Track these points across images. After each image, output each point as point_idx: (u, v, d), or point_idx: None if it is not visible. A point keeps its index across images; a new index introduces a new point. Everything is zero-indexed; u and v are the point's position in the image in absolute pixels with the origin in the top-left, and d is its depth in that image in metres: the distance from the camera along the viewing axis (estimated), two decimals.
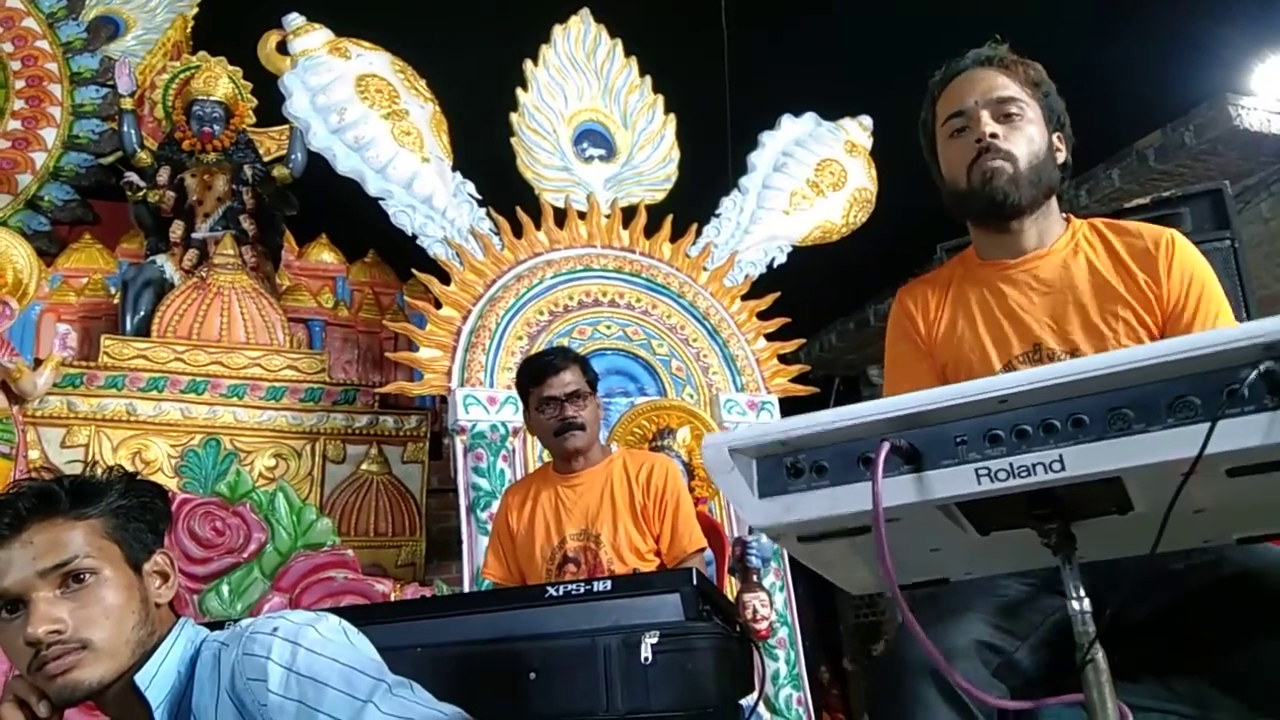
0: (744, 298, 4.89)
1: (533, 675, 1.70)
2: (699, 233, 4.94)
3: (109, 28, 6.01)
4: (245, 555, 3.56)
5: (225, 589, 3.48)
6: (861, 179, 5.36)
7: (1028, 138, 1.46)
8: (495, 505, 3.28)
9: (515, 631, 1.77)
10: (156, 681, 1.10)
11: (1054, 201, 1.52)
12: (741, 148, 5.29)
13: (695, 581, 1.76)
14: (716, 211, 5.06)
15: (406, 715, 1.03)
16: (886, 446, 0.75)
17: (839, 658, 8.74)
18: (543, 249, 4.53)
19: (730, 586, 3.74)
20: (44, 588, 1.06)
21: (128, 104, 5.04)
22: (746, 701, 1.94)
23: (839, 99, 5.49)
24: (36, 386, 3.80)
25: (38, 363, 3.92)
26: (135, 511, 1.15)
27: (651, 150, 4.98)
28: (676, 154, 5.04)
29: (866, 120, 5.49)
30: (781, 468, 0.79)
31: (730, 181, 5.19)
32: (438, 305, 4.31)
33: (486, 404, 4.07)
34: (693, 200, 5.05)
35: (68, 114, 5.78)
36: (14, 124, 5.66)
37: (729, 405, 4.55)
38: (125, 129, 5.02)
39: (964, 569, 0.98)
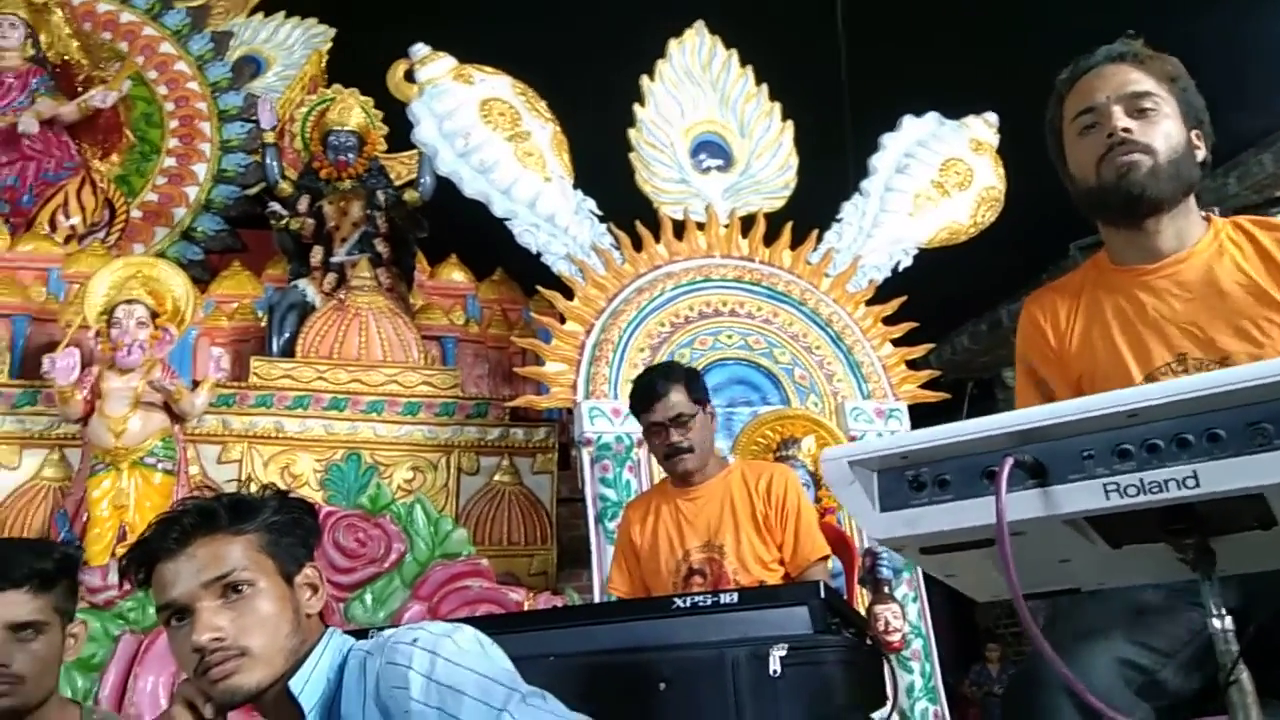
0: (868, 303, 4.82)
1: (663, 686, 1.73)
2: (820, 239, 4.89)
3: (251, 67, 6.38)
4: (386, 565, 3.70)
5: (368, 597, 3.62)
6: (989, 177, 5.21)
7: (1165, 132, 1.40)
8: (621, 516, 3.32)
9: (645, 642, 1.80)
10: (308, 688, 1.16)
11: (1192, 200, 1.45)
12: (861, 151, 5.22)
13: (823, 594, 1.75)
14: (837, 217, 5.00)
15: None
16: (1010, 461, 0.74)
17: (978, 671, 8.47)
18: (662, 261, 4.58)
19: (861, 598, 3.68)
20: (207, 598, 1.14)
21: (270, 137, 5.33)
22: (878, 715, 1.91)
23: (963, 97, 5.34)
24: (195, 406, 4.04)
25: (195, 384, 4.18)
26: (287, 527, 1.22)
27: (769, 158, 4.96)
28: (795, 160, 5.01)
29: (992, 117, 5.33)
30: (903, 481, 0.79)
31: (851, 186, 5.13)
32: (562, 320, 4.40)
33: (611, 416, 4.13)
34: (812, 206, 5.00)
35: (216, 149, 6.16)
36: (170, 161, 6.07)
37: (855, 413, 4.48)
38: (268, 161, 5.31)
39: (1096, 579, 0.95)
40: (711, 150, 4.95)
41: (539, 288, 4.59)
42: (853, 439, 4.29)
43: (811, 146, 5.06)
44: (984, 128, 5.30)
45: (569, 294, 4.44)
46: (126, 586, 3.15)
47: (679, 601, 1.85)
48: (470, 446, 4.69)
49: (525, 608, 3.66)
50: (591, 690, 1.64)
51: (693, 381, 2.60)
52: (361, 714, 1.13)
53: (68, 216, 5.36)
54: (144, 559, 1.17)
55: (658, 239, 4.62)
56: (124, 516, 3.77)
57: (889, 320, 4.79)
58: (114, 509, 3.79)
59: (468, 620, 1.74)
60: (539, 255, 4.49)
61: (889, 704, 1.96)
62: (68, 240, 5.24)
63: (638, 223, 4.62)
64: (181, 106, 6.18)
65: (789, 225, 4.82)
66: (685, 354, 4.35)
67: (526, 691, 1.11)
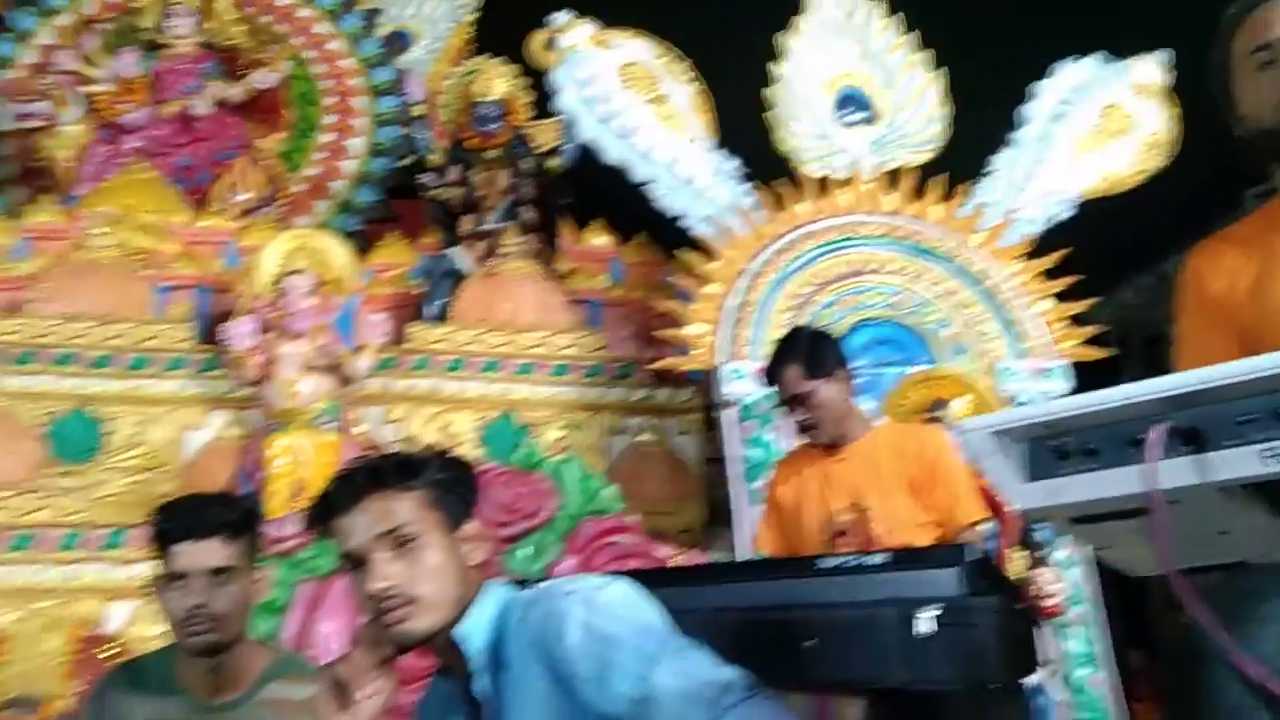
0: (1025, 257, 4.63)
1: (807, 644, 1.75)
2: (971, 192, 4.73)
3: (399, 41, 6.60)
4: (540, 520, 3.84)
5: (524, 550, 3.77)
6: (1154, 123, 4.90)
7: None
8: (766, 476, 3.34)
9: (790, 600, 1.82)
10: (473, 634, 1.25)
11: None
12: (1014, 99, 4.99)
13: (974, 556, 1.73)
14: (989, 169, 4.82)
15: (693, 673, 1.11)
16: (1162, 428, 0.72)
17: (1150, 641, 8.12)
18: (804, 220, 4.52)
19: (1017, 562, 3.59)
20: (379, 549, 1.23)
21: (419, 110, 5.52)
22: (1031, 681, 1.88)
23: (1124, 39, 5.03)
24: (359, 370, 4.27)
25: (358, 349, 4.41)
26: (450, 485, 1.30)
27: (916, 109, 4.81)
28: (943, 111, 4.84)
29: (1158, 58, 5.00)
30: (1048, 451, 0.78)
31: (1003, 136, 4.92)
32: (703, 282, 4.42)
33: (755, 376, 4.14)
34: (962, 159, 4.83)
35: (370, 123, 6.42)
36: (327, 137, 6.37)
37: (1007, 374, 4.34)
38: (418, 133, 5.50)
39: (1261, 551, 0.92)
40: (855, 104, 4.84)
41: (681, 250, 4.62)
42: (1006, 400, 4.17)
43: (960, 96, 4.88)
44: (1150, 69, 4.98)
45: (710, 256, 4.45)
46: (304, 537, 3.40)
47: (824, 561, 1.85)
48: (617, 407, 4.79)
49: (672, 564, 3.74)
50: (735, 646, 1.67)
51: (814, 355, 2.53)
52: (521, 660, 1.20)
53: (238, 192, 5.71)
54: (324, 513, 1.28)
55: (799, 198, 4.57)
56: (298, 473, 4.04)
57: (1048, 275, 4.59)
58: (288, 466, 4.06)
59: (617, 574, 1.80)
60: (680, 218, 4.51)
61: (1042, 670, 1.93)
62: (239, 215, 5.60)
63: (780, 181, 4.58)
64: (337, 83, 6.47)
65: (937, 179, 4.68)
66: (827, 315, 4.31)
67: (679, 643, 1.15)
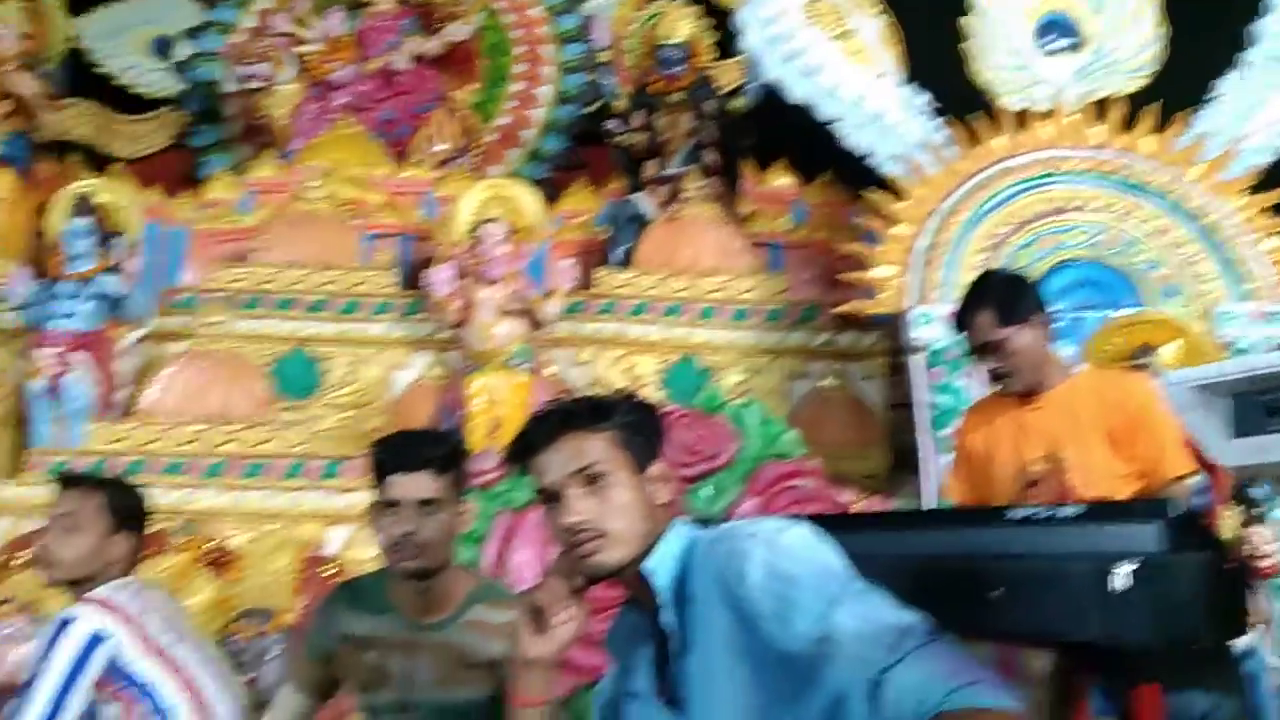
0: (1252, 190, 4.25)
1: (996, 594, 1.72)
2: (1189, 122, 4.36)
3: None
4: (721, 462, 3.89)
5: (706, 491, 3.84)
6: None
7: None
8: (955, 423, 3.26)
9: (977, 549, 1.79)
10: (660, 569, 1.30)
11: None
12: (1241, 17, 4.53)
13: (1178, 511, 1.64)
14: (1210, 95, 4.42)
15: (873, 616, 1.12)
16: None
17: None
18: (1001, 156, 4.30)
19: (1230, 519, 3.36)
20: (573, 486, 1.30)
21: (604, 56, 5.58)
22: (1241, 643, 1.79)
23: None
24: (548, 314, 4.44)
25: (548, 294, 4.57)
26: (638, 426, 1.36)
27: (1127, 34, 4.45)
28: (1158, 34, 4.46)
29: None
30: (1258, 406, 0.74)
31: (1228, 58, 4.49)
32: (891, 223, 4.29)
33: (945, 320, 4.01)
34: (1180, 86, 4.45)
35: (557, 71, 6.56)
36: (517, 86, 6.55)
37: (1226, 318, 4.02)
38: (603, 79, 5.58)
39: None
40: (1059, 30, 4.53)
41: (868, 190, 4.50)
42: (1222, 346, 3.86)
43: (1178, 17, 4.48)
44: None
45: (898, 195, 4.31)
46: (500, 471, 3.59)
47: (1015, 511, 1.81)
48: (798, 351, 4.77)
49: (855, 509, 3.72)
50: (917, 593, 1.67)
51: (1008, 299, 2.40)
52: (706, 595, 1.25)
53: (435, 143, 5.98)
54: (522, 451, 1.36)
55: (996, 132, 4.34)
56: (494, 411, 4.26)
57: (1276, 210, 4.20)
58: (486, 404, 4.29)
59: (797, 518, 1.82)
60: (867, 156, 4.39)
61: (1254, 632, 1.82)
62: (437, 166, 5.87)
63: (975, 116, 4.36)
64: (525, 32, 6.62)
65: (1150, 108, 4.33)
66: (1025, 255, 4.11)
67: (860, 586, 1.17)
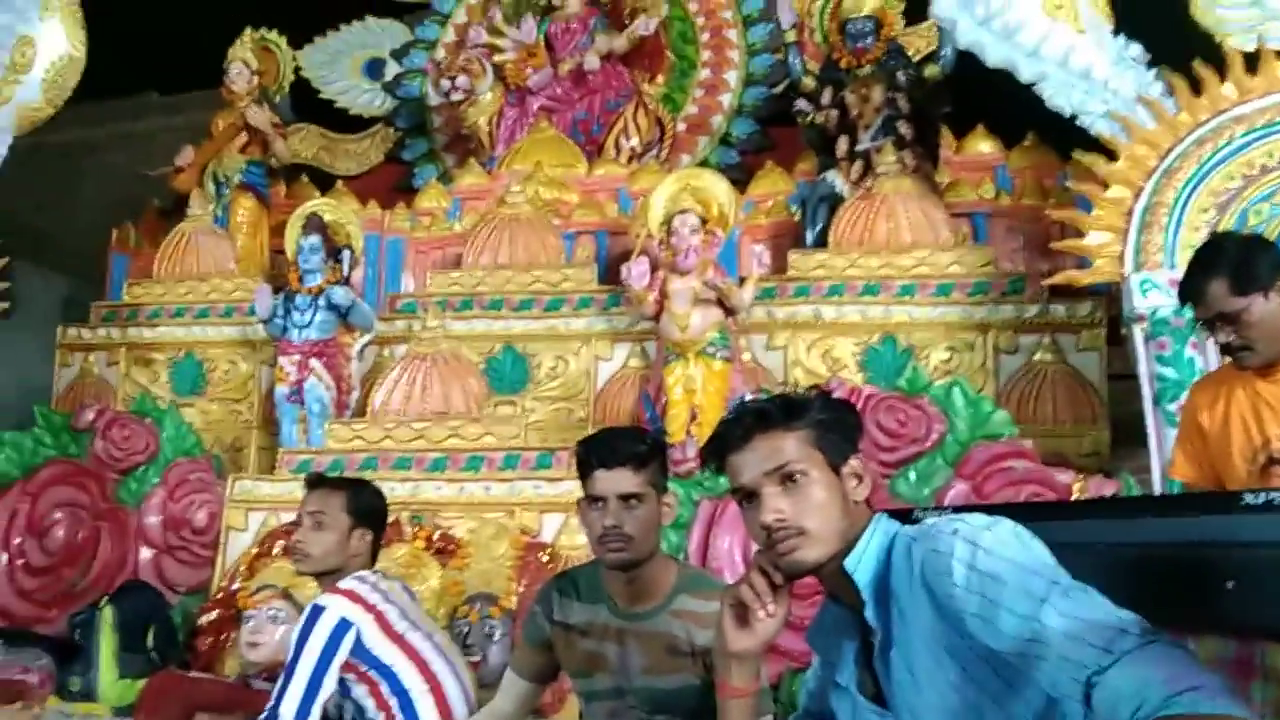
0: None
1: (1229, 585, 1.61)
2: None
3: None
4: (927, 445, 3.80)
5: (912, 475, 3.76)
6: None
7: None
8: (1182, 398, 3.03)
9: (1208, 537, 1.68)
10: (861, 565, 1.31)
11: None
12: None
13: None
14: None
15: (1083, 615, 1.08)
16: None
17: None
18: (1229, 104, 3.92)
19: None
20: (768, 485, 1.33)
21: (790, 35, 5.52)
22: None
23: None
24: (743, 301, 4.44)
25: (741, 280, 4.59)
26: (832, 424, 1.37)
27: None
28: None
29: None
30: None
31: None
32: (1105, 186, 4.03)
33: (1168, 288, 3.73)
34: None
35: (744, 54, 6.55)
36: (704, 73, 6.59)
37: None
38: (790, 59, 5.52)
39: None
40: None
41: (1076, 152, 4.24)
42: None
43: None
44: None
45: (1111, 156, 4.03)
46: (701, 460, 3.66)
47: (1250, 497, 1.68)
48: (1007, 325, 4.57)
49: (1074, 490, 3.55)
50: (1143, 583, 1.59)
51: (1243, 265, 2.19)
52: (909, 593, 1.25)
53: (627, 139, 6.12)
54: (716, 451, 1.40)
55: (1223, 78, 3.98)
56: (693, 399, 4.32)
57: None
58: (685, 393, 4.36)
59: (1007, 507, 1.77)
60: (1074, 116, 4.13)
61: None
62: (629, 160, 6.00)
63: (1196, 63, 4.02)
64: (710, 19, 6.64)
65: None
66: (1262, 210, 3.76)
67: (1068, 584, 1.13)
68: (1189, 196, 3.86)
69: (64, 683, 3.76)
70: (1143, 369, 3.78)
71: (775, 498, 1.32)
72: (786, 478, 1.32)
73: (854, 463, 1.37)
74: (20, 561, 4.58)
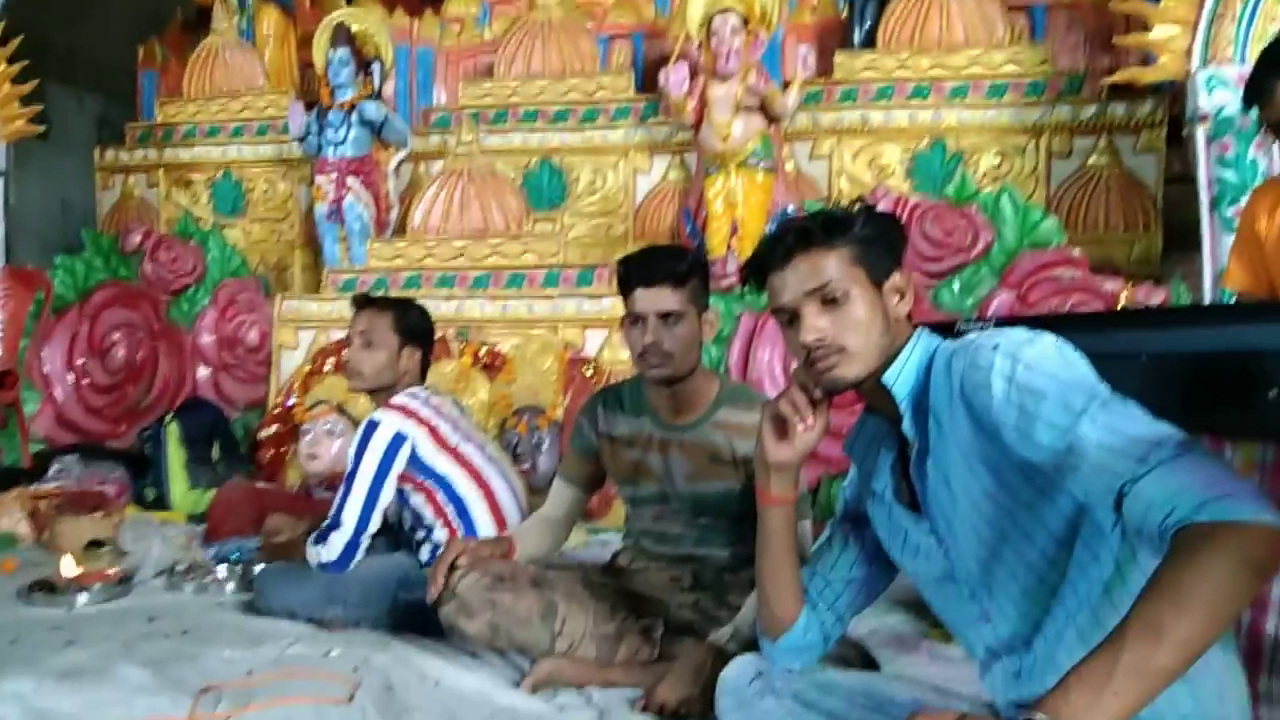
0: None
1: (1274, 393, 1.60)
2: None
3: None
4: (973, 254, 3.75)
5: (956, 285, 3.73)
6: None
7: None
8: (1243, 201, 2.93)
9: (1256, 345, 1.66)
10: (900, 380, 1.31)
11: None
12: None
13: None
14: None
15: (1120, 427, 1.08)
16: None
17: None
18: None
19: None
20: (809, 304, 1.32)
21: None
22: None
23: None
24: (787, 107, 4.30)
25: (785, 85, 4.42)
26: (875, 239, 1.34)
27: None
28: None
29: None
30: None
31: None
32: None
33: (1235, 85, 3.53)
34: None
35: None
36: None
37: None
38: None
39: None
40: None
41: None
42: None
43: None
44: None
45: None
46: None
47: None
48: (1062, 127, 4.39)
49: (1122, 298, 3.50)
50: (1187, 392, 1.59)
51: None
52: (948, 406, 1.25)
53: None
54: (757, 270, 1.38)
55: None
56: (735, 213, 4.26)
57: None
58: (726, 206, 4.29)
59: (1051, 318, 1.75)
60: None
61: None
62: None
63: None
64: None
65: None
66: None
67: (1108, 397, 1.13)
68: None
69: (139, 493, 3.99)
70: (1202, 172, 3.63)
71: (816, 317, 1.31)
72: (828, 296, 1.30)
73: (897, 278, 1.35)
74: (86, 380, 4.78)
